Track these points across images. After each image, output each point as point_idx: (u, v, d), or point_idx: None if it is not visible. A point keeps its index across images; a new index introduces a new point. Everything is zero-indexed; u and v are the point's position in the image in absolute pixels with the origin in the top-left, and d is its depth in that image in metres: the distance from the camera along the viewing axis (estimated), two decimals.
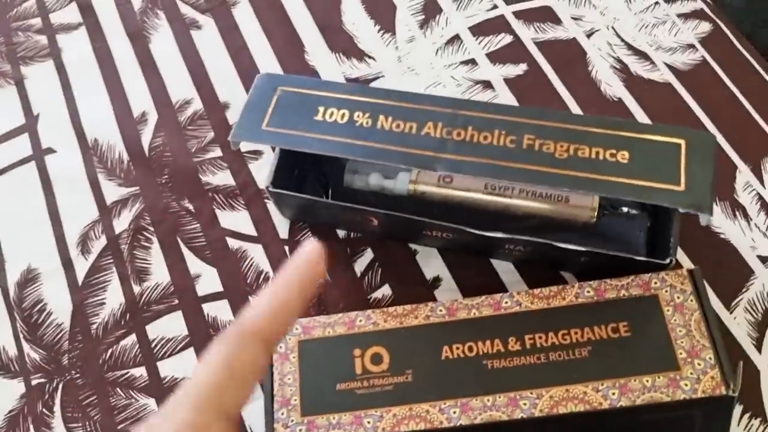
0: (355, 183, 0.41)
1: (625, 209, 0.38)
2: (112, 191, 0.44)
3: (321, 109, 0.36)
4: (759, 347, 0.36)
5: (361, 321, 0.34)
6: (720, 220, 0.39)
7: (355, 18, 0.48)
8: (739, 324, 0.37)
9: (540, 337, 0.33)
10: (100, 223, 0.43)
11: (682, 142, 0.33)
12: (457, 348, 0.33)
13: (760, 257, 0.38)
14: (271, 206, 0.43)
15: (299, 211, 0.41)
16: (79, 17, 0.51)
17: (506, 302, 0.34)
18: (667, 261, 0.34)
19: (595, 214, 0.38)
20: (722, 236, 0.39)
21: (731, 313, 0.37)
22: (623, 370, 0.32)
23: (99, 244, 0.43)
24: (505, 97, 0.44)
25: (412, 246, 0.41)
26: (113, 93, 0.48)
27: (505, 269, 0.39)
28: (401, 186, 0.40)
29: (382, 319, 0.34)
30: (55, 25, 0.51)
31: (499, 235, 0.35)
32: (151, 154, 0.45)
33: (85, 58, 0.49)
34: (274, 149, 0.40)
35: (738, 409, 0.35)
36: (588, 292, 0.34)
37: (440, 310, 0.34)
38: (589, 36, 0.46)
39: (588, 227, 0.38)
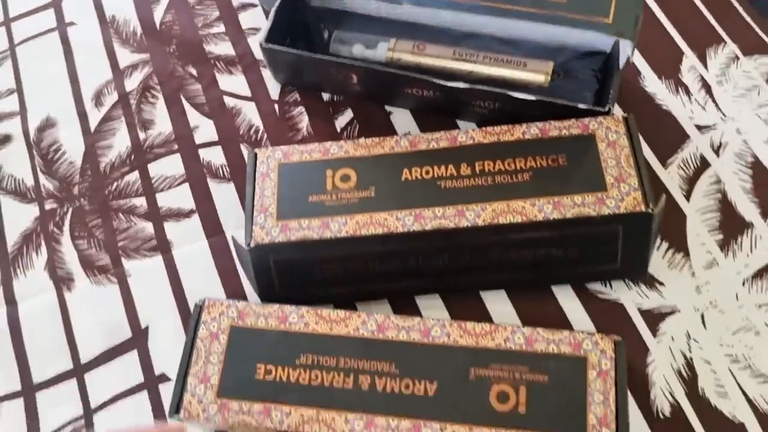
0: (341, 52, 0.46)
1: (576, 72, 0.43)
2: (126, 57, 0.50)
3: None
4: (688, 197, 0.40)
5: (334, 149, 0.39)
6: (663, 95, 0.44)
7: None
8: (672, 178, 0.41)
9: (488, 164, 0.37)
10: (113, 82, 0.49)
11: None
12: (416, 171, 0.38)
13: (697, 126, 0.43)
14: (265, 73, 0.48)
15: (289, 70, 0.46)
16: None
17: (461, 137, 0.39)
18: (606, 108, 0.38)
19: (549, 77, 0.42)
20: (664, 107, 0.43)
21: (666, 168, 0.41)
22: (558, 190, 0.36)
23: (111, 98, 0.48)
24: None
25: (388, 108, 0.45)
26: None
27: (469, 127, 0.44)
28: (380, 53, 0.45)
29: (353, 148, 0.39)
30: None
31: (461, 85, 0.40)
32: (161, 28, 0.51)
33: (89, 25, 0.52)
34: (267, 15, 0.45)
35: (665, 246, 0.39)
36: (533, 130, 0.38)
37: (403, 143, 0.39)
38: None
39: (543, 90, 0.43)
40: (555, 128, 0.38)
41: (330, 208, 0.37)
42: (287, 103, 0.47)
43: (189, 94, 0.48)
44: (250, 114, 0.46)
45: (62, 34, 0.51)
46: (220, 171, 0.45)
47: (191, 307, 0.38)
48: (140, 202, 0.44)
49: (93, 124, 0.47)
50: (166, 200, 0.44)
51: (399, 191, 0.37)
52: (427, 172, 0.38)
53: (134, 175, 0.45)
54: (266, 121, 0.46)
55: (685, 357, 0.36)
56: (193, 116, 0.47)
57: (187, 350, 0.34)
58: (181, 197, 0.44)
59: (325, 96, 0.46)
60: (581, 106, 0.39)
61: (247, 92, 0.47)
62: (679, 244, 0.39)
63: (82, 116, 0.47)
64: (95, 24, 0.51)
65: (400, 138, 0.39)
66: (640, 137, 0.38)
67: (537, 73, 0.43)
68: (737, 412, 0.34)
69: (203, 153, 0.45)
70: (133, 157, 0.46)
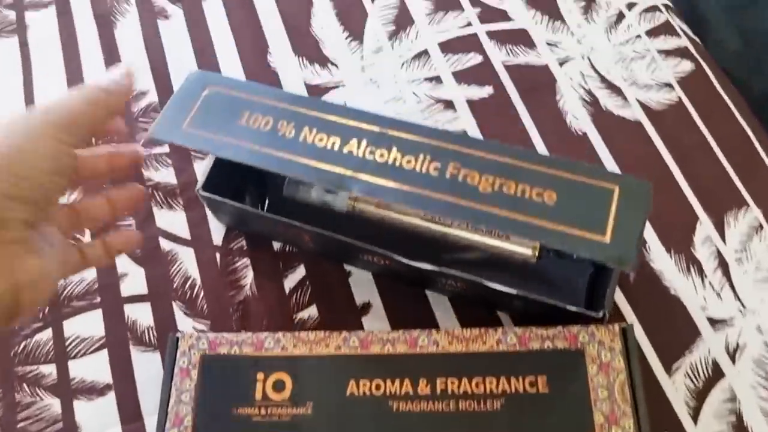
0: (296, 194, 0.39)
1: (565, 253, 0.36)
2: None
3: (246, 113, 0.34)
4: (695, 417, 0.33)
5: (269, 343, 0.33)
6: (672, 274, 0.37)
7: (324, 22, 0.47)
8: (677, 390, 0.34)
9: (452, 383, 0.31)
10: None
11: (615, 188, 0.30)
12: (364, 384, 0.31)
13: (709, 319, 0.36)
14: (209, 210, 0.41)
15: (233, 218, 0.39)
16: None
17: (423, 340, 0.32)
18: (600, 314, 0.31)
19: (536, 254, 0.35)
20: (672, 292, 0.36)
21: (670, 377, 0.34)
22: (534, 427, 0.29)
23: None
24: (466, 119, 0.42)
25: (348, 267, 0.39)
26: (71, 79, 0.46)
27: (439, 302, 0.37)
28: (341, 202, 0.38)
29: (292, 344, 0.32)
30: (26, 0, 0.50)
31: (428, 267, 0.33)
32: (97, 141, 0.44)
33: (50, 38, 0.48)
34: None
35: None
36: (511, 339, 0.31)
37: (353, 342, 0.32)
38: (561, 64, 0.44)
39: (529, 266, 0.36)
40: (537, 337, 0.31)
41: (257, 426, 0.31)
42: (231, 252, 0.40)
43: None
44: (187, 262, 0.40)
45: None
46: (146, 335, 0.38)
47: None
48: (49, 369, 0.38)
49: None
50: (79, 370, 0.37)
51: (341, 411, 0.31)
52: (378, 387, 0.31)
53: (46, 334, 0.38)
54: (205, 274, 0.39)
55: None
56: (122, 261, 0.40)
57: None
58: (97, 367, 0.37)
59: (276, 244, 0.40)
60: (570, 308, 0.32)
61: (187, 233, 0.41)
62: None
63: None
64: None
65: (349, 336, 0.32)
66: (641, 328, 0.31)
67: (523, 246, 0.36)
68: None
69: (129, 310, 0.39)
70: (47, 309, 0.39)
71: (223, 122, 0.33)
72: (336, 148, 0.32)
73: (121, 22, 0.48)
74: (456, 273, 0.33)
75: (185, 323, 0.38)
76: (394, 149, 0.32)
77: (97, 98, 0.27)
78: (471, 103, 0.43)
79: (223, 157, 0.33)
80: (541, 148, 0.41)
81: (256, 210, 0.38)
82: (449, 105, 0.43)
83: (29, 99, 0.46)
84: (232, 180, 0.38)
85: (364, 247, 0.34)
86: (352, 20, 0.46)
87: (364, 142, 0.32)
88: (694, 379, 0.34)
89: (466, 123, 0.42)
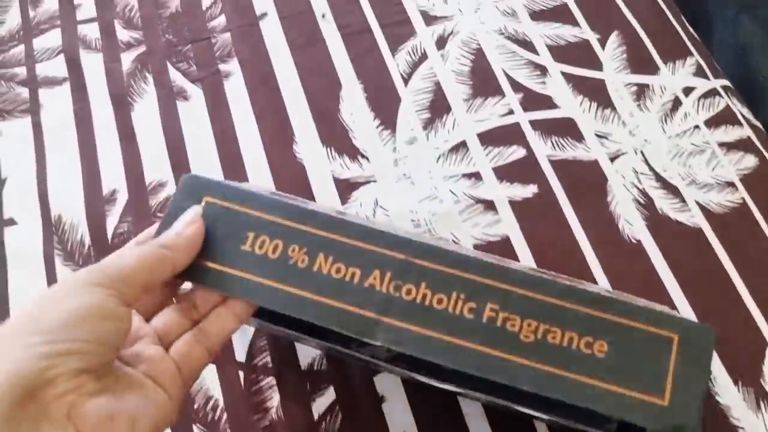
0: None
1: None
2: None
3: (251, 235, 0.29)
4: None
5: None
6: (740, 411, 0.33)
7: (353, 107, 0.44)
8: None
9: None
10: None
11: (675, 336, 0.26)
12: None
13: None
14: None
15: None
16: (65, 72, 0.48)
17: None
18: None
19: None
20: (741, 431, 0.33)
21: None
22: None
23: None
24: (508, 222, 0.39)
25: (380, 391, 0.36)
26: (86, 164, 0.44)
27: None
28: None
29: None
30: (40, 77, 0.48)
31: (459, 390, 0.30)
32: (113, 242, 0.42)
33: (64, 119, 0.46)
34: None
35: None
36: None
37: None
38: (612, 159, 0.40)
39: None
40: None
41: None
42: (255, 370, 0.37)
43: None
44: (209, 379, 0.37)
45: None
46: None
47: None
48: None
49: None
50: None
51: None
52: None
53: None
54: (228, 394, 0.37)
55: None
56: None
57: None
58: None
59: (303, 360, 0.37)
60: None
61: None
62: None
63: None
64: (38, 226, 0.42)
65: None
66: None
67: None
68: None
69: None
70: None
71: (227, 247, 0.29)
72: (356, 280, 0.28)
73: (138, 103, 0.46)
74: (482, 396, 0.30)
75: None
76: (423, 284, 0.27)
77: (156, 257, 0.26)
78: (513, 204, 0.39)
79: (229, 296, 0.29)
80: (591, 258, 0.37)
81: (273, 326, 0.34)
82: (490, 206, 0.39)
83: (42, 179, 0.44)
84: None
85: (390, 368, 0.31)
86: (384, 106, 0.43)
87: (388, 275, 0.28)
88: None
89: (508, 227, 0.39)
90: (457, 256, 0.28)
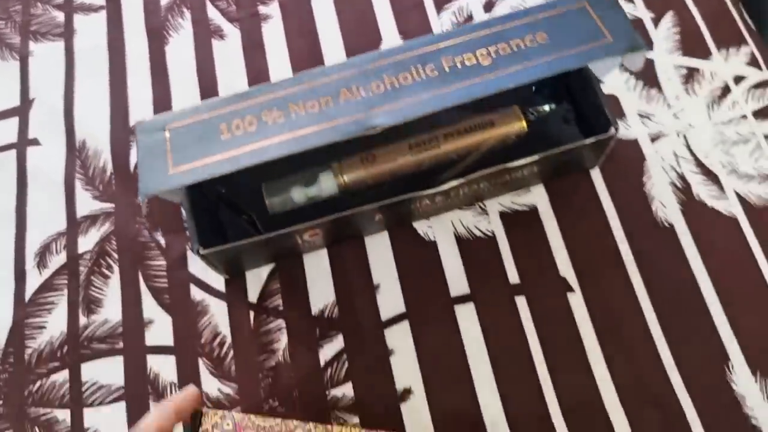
0: (280, 206, 0.36)
1: (546, 107, 0.36)
2: (86, 203, 0.40)
3: (223, 126, 0.31)
4: None
5: None
6: (755, 401, 0.32)
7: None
8: None
9: None
10: (64, 236, 0.39)
11: (584, 3, 0.32)
12: None
13: None
14: None
15: (235, 264, 0.36)
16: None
17: None
18: (612, 132, 0.33)
19: (524, 122, 0.35)
20: (753, 422, 0.32)
21: None
22: None
23: (58, 260, 0.39)
24: (537, 191, 0.38)
25: (390, 345, 0.35)
26: (115, 93, 0.44)
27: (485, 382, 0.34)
28: (328, 186, 0.35)
29: None
30: (76, 2, 0.47)
31: (454, 183, 0.33)
32: (135, 171, 0.41)
33: (97, 47, 0.45)
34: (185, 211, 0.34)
35: None
36: None
37: None
38: (653, 140, 0.39)
39: (523, 139, 0.36)
40: None
41: None
42: (265, 310, 0.37)
43: (149, 271, 0.38)
44: (218, 316, 0.37)
45: (20, 155, 0.42)
46: (168, 392, 0.35)
47: None
48: (63, 415, 0.35)
49: (29, 290, 0.38)
50: (94, 420, 0.35)
51: None
52: None
53: (63, 375, 0.36)
54: (236, 332, 0.36)
55: None
56: (149, 306, 0.37)
57: None
58: (113, 420, 0.35)
59: (315, 306, 0.36)
60: (588, 141, 0.34)
61: (221, 285, 0.38)
62: None
63: (19, 276, 0.39)
64: (61, 149, 0.42)
65: None
66: None
67: (510, 124, 0.35)
68: None
69: (152, 361, 0.36)
70: (66, 348, 0.37)
71: (206, 145, 0.30)
72: (332, 104, 0.30)
73: (173, 38, 0.45)
74: (482, 173, 0.33)
75: (210, 384, 0.35)
76: (384, 76, 0.31)
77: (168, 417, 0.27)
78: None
79: (225, 173, 0.29)
80: (619, 234, 0.36)
81: (254, 239, 0.33)
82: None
83: (69, 104, 0.43)
84: (220, 232, 0.36)
85: (372, 208, 0.33)
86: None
87: (353, 87, 0.31)
88: None
89: (539, 196, 0.38)
90: (395, 49, 0.32)
